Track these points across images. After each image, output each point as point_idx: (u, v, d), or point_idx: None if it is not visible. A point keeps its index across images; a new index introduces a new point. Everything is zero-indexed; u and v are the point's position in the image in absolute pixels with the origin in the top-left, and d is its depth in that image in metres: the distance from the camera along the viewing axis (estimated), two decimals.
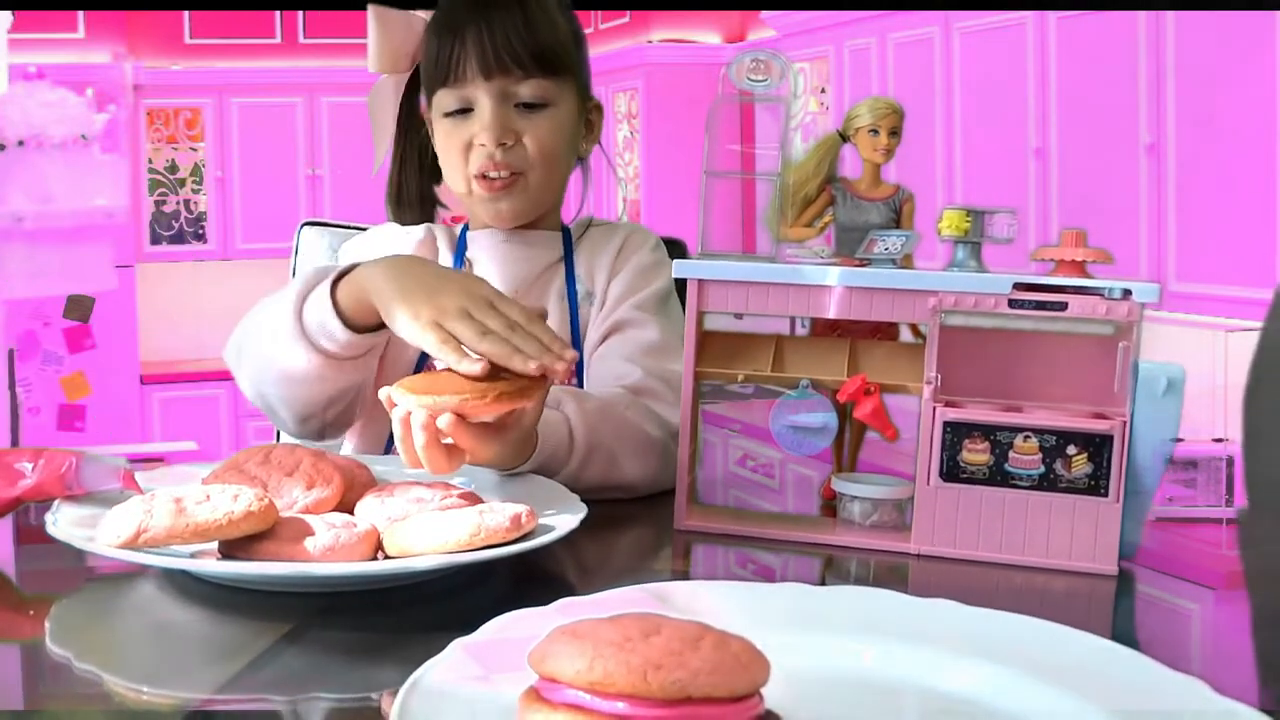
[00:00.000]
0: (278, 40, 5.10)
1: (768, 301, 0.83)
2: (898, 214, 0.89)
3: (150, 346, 4.69)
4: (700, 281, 0.84)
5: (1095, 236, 0.79)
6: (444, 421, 0.73)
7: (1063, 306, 0.77)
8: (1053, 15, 2.96)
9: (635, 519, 0.90)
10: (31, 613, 0.65)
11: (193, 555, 0.66)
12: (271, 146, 4.87)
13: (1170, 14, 2.62)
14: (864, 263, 0.82)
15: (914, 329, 0.87)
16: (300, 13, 5.07)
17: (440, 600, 0.67)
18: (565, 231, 1.14)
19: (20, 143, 3.53)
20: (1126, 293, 0.76)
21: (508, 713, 0.43)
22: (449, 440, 0.75)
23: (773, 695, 0.42)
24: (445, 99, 1.05)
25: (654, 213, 4.18)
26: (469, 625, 0.52)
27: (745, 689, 0.40)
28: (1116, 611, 0.75)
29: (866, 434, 0.91)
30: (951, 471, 0.79)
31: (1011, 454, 0.78)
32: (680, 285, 0.87)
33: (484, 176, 1.03)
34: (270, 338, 0.90)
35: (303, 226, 1.36)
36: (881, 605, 0.57)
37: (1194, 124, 2.57)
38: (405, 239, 1.12)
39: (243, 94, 4.89)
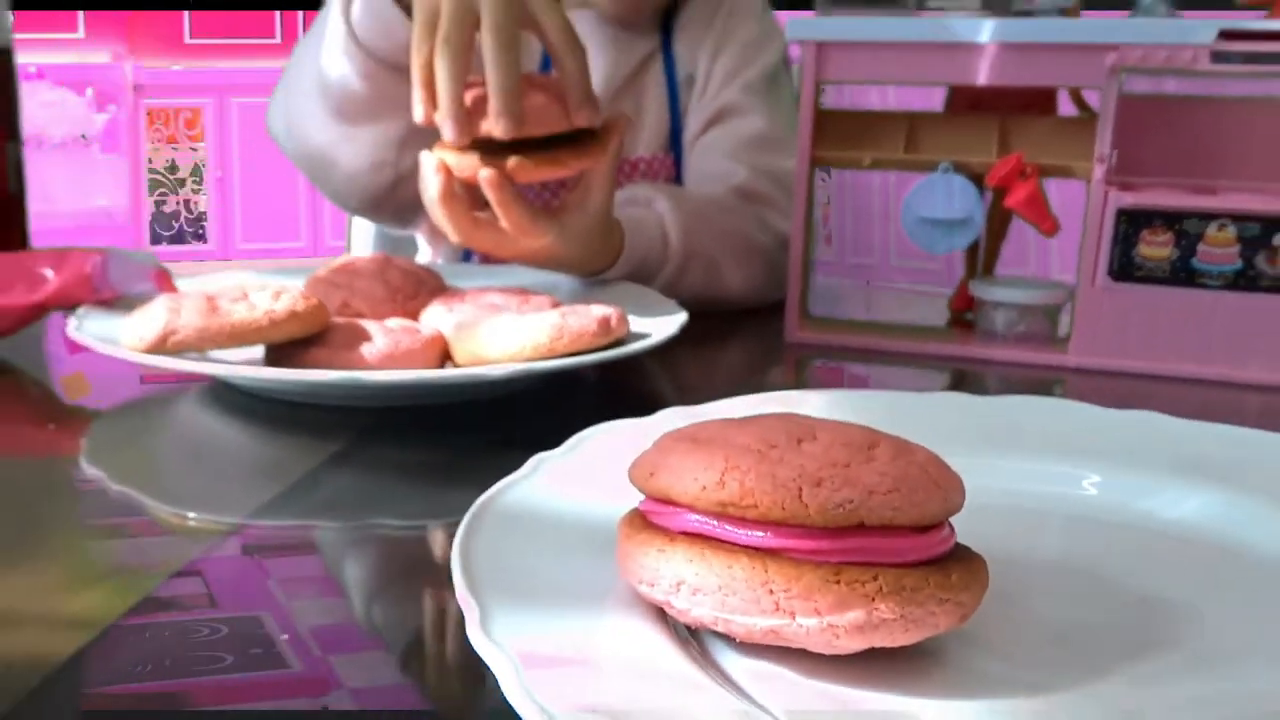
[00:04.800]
0: (278, 40, 4.94)
1: (904, 66, 0.68)
2: None
3: None
4: (819, 45, 0.70)
5: None
6: (485, 176, 0.63)
7: None
8: None
9: (739, 332, 0.79)
10: (53, 427, 0.57)
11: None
12: (271, 146, 4.75)
13: None
14: (1024, 14, 0.67)
15: (1078, 100, 0.72)
16: (300, 13, 4.90)
17: (515, 418, 0.57)
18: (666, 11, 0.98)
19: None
20: None
21: (604, 542, 0.32)
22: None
23: (960, 528, 0.31)
24: None
25: None
26: (550, 445, 0.42)
27: (935, 514, 0.28)
28: None
29: (1008, 232, 0.77)
30: (1125, 269, 0.66)
31: (1201, 246, 0.64)
32: None
33: None
34: (319, 61, 0.78)
35: None
36: (1069, 417, 0.45)
37: None
38: None
39: (243, 94, 4.77)
